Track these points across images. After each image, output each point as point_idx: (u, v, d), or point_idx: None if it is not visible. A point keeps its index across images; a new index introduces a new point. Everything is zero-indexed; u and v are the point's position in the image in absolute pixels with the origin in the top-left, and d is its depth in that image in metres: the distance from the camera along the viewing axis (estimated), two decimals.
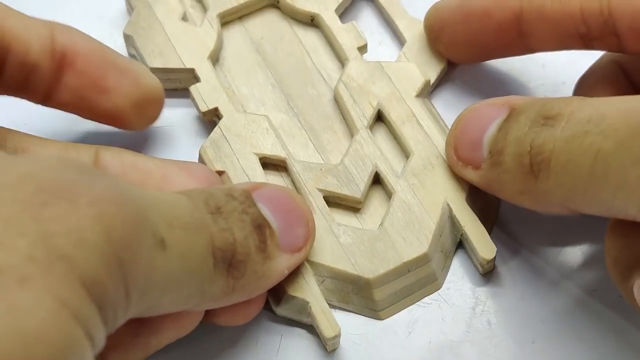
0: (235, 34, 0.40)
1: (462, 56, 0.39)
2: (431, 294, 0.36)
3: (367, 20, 0.42)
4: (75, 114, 0.35)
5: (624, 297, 0.32)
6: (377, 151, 0.37)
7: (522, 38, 0.36)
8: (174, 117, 0.40)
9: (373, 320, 0.35)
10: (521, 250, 0.37)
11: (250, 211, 0.30)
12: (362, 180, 0.36)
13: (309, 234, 0.32)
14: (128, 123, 0.36)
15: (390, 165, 0.37)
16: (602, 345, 0.34)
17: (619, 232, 0.32)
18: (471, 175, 0.35)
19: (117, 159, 0.33)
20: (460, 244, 0.36)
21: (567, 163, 0.29)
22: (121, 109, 0.35)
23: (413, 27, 0.40)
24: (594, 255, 0.37)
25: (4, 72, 0.33)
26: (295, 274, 0.34)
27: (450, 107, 0.40)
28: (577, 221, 0.37)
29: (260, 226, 0.30)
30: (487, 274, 0.36)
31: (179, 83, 0.39)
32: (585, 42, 0.35)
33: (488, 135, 0.33)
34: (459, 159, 0.35)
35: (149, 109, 0.36)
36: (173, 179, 0.33)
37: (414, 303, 0.35)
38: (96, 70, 0.34)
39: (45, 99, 0.34)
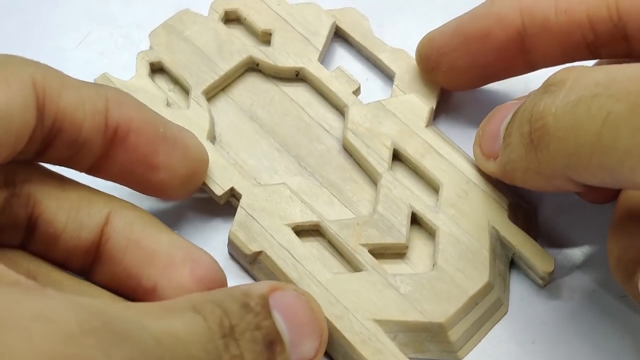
0: (224, 107, 0.39)
1: (461, 83, 0.39)
2: (500, 319, 0.35)
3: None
4: (121, 184, 0.34)
5: (630, 296, 0.32)
6: (407, 191, 0.36)
7: (525, 55, 0.36)
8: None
9: None
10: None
11: (264, 325, 0.29)
12: (402, 224, 0.36)
13: (320, 347, 0.31)
14: (172, 195, 0.35)
15: (424, 202, 0.36)
16: (602, 346, 0.35)
17: (621, 232, 0.31)
18: (491, 167, 0.35)
19: (126, 229, 0.32)
20: (512, 262, 0.36)
21: (570, 128, 0.28)
22: (168, 184, 0.34)
23: (398, 57, 0.40)
24: (594, 256, 0.37)
25: (52, 147, 0.31)
26: (367, 337, 0.33)
27: (451, 129, 0.40)
28: (577, 221, 0.37)
29: (272, 343, 0.29)
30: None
31: None
32: (591, 50, 0.34)
33: (504, 124, 0.33)
34: (483, 154, 0.35)
35: (195, 180, 0.35)
36: (174, 271, 0.32)
37: (487, 333, 0.35)
38: (147, 146, 0.33)
39: (91, 170, 0.33)
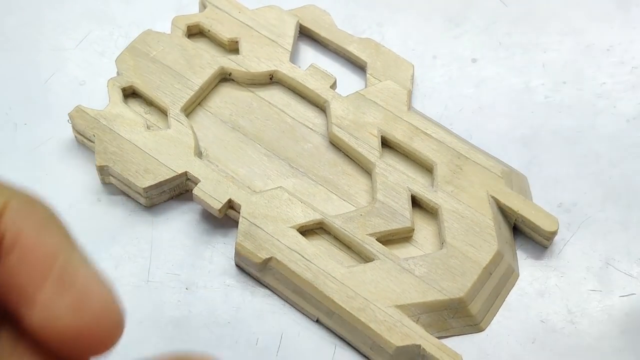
0: (204, 121, 0.39)
1: None
2: (514, 286, 0.36)
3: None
4: None
5: None
6: (402, 175, 0.37)
7: None
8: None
9: None
10: (520, 249, 0.37)
11: None
12: (405, 208, 0.36)
13: None
14: (53, 348, 0.29)
15: (421, 183, 0.37)
16: (600, 345, 0.35)
17: None
18: None
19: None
20: (515, 228, 0.37)
21: None
22: (43, 329, 0.28)
23: (367, 47, 0.41)
24: (595, 255, 0.37)
25: None
26: (392, 324, 0.34)
27: (428, 108, 0.40)
28: (579, 220, 0.38)
29: None
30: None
31: (173, 192, 0.38)
32: None
33: None
34: None
35: (89, 343, 0.27)
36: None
37: (504, 301, 0.36)
38: (28, 274, 0.25)
39: None
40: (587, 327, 0.35)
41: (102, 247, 0.37)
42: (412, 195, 0.37)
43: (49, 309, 0.27)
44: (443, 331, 0.35)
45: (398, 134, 0.38)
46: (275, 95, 0.40)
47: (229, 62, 0.40)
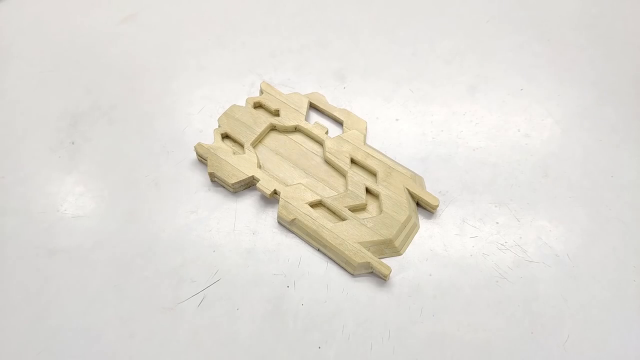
0: (262, 150, 0.40)
1: None
2: (416, 232, 0.36)
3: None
4: None
5: None
6: (361, 177, 0.38)
7: None
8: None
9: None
10: (420, 214, 0.37)
11: None
12: (362, 194, 0.37)
13: None
14: None
15: (370, 181, 0.38)
16: (459, 261, 0.34)
17: None
18: None
19: None
20: (417, 204, 0.37)
21: None
22: None
23: (343, 113, 0.41)
24: (457, 217, 0.36)
25: None
26: (356, 251, 0.34)
27: (375, 142, 0.40)
28: (448, 200, 0.37)
29: None
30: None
31: (245, 185, 0.38)
32: None
33: None
34: None
35: None
36: None
37: (412, 240, 0.36)
38: None
39: None
40: (454, 252, 0.35)
41: (211, 212, 0.37)
42: (365, 187, 0.37)
43: None
44: (381, 255, 0.35)
45: (359, 157, 0.38)
46: (297, 137, 0.40)
47: (274, 121, 0.40)
